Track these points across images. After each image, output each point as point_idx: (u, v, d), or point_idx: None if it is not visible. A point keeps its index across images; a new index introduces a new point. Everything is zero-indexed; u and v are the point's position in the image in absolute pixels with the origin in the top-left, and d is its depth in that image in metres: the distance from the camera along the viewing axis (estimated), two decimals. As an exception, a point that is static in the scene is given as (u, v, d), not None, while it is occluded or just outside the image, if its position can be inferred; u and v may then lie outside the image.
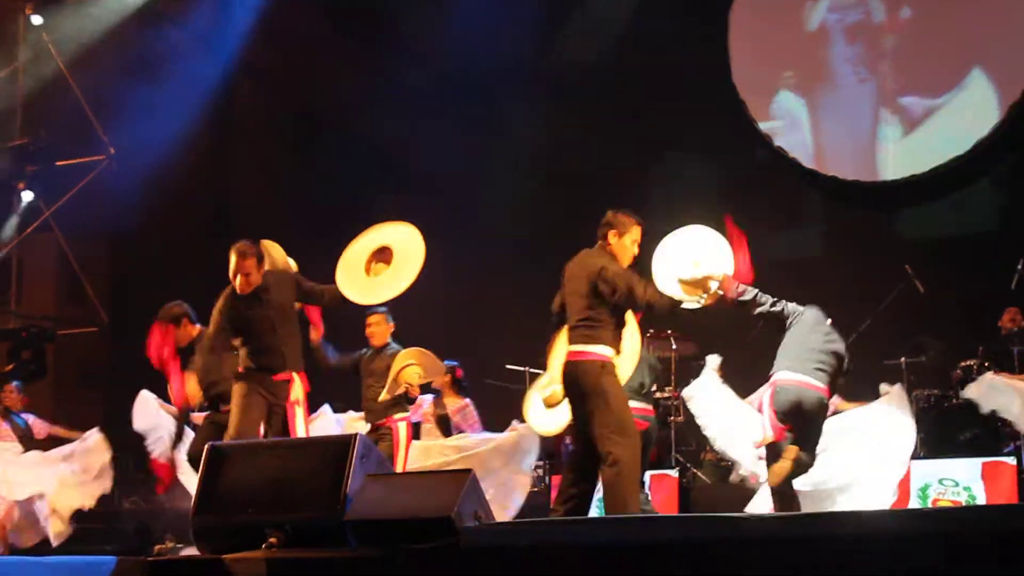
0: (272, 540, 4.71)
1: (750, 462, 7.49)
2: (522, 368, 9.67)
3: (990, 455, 7.97)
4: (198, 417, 7.99)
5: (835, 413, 7.28)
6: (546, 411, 6.69)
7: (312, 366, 7.29)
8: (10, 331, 12.49)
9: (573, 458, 6.38)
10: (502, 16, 11.46)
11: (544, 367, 6.64)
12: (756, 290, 6.69)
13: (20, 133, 13.31)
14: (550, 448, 9.49)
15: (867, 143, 11.02)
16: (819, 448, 6.89)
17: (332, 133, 13.09)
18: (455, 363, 9.00)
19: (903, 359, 9.12)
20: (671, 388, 9.45)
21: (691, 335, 9.77)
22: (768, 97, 11.47)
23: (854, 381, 7.48)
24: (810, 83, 11.35)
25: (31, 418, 10.01)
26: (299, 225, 11.15)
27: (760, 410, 7.16)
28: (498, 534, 4.54)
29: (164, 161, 12.23)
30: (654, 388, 7.83)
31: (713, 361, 7.76)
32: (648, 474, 8.59)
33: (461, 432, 8.80)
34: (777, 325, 6.90)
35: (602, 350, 5.97)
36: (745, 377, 7.84)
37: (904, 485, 7.68)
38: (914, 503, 7.81)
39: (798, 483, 6.82)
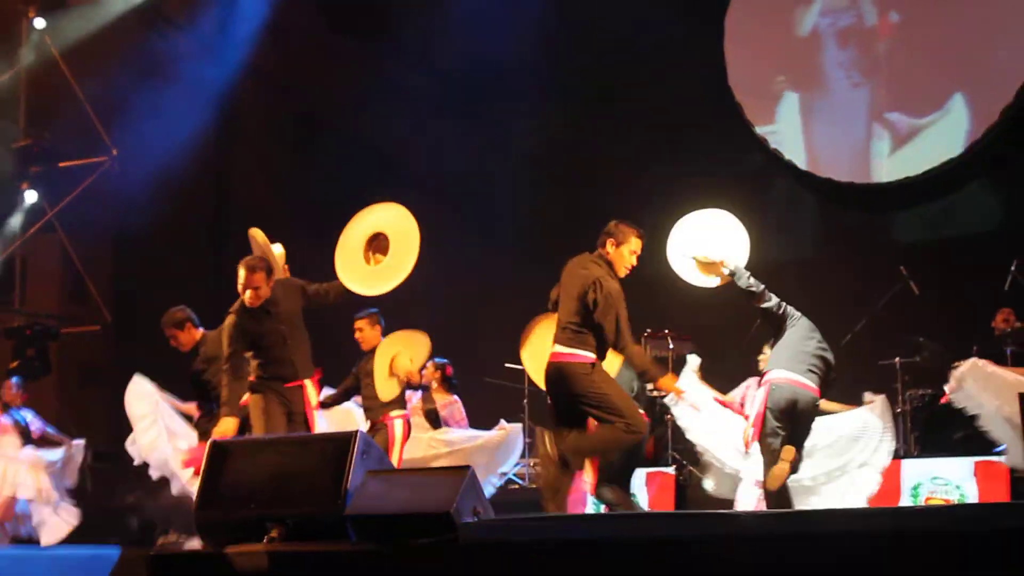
0: (273, 534, 4.77)
1: (734, 461, 7.53)
2: (522, 368, 9.69)
3: (983, 454, 7.98)
4: (190, 408, 8.01)
5: (820, 414, 7.35)
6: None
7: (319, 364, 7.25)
8: (14, 329, 12.55)
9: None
10: (502, 16, 11.47)
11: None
12: (764, 286, 6.85)
13: (24, 134, 13.39)
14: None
15: (861, 147, 11.05)
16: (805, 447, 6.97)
17: (332, 133, 13.09)
18: (445, 360, 9.03)
19: (898, 359, 9.16)
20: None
21: (688, 334, 9.84)
22: (764, 100, 11.49)
23: (851, 381, 7.56)
24: (804, 87, 11.36)
25: (29, 415, 10.08)
26: (299, 225, 11.15)
27: (743, 405, 7.27)
28: (496, 530, 4.58)
29: (166, 162, 12.25)
30: (650, 387, 7.86)
31: (693, 362, 7.73)
32: (644, 471, 8.68)
33: (448, 427, 8.84)
34: (776, 325, 7.01)
35: (588, 354, 6.08)
36: (741, 378, 7.92)
37: (896, 483, 7.75)
38: (906, 501, 7.87)
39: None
